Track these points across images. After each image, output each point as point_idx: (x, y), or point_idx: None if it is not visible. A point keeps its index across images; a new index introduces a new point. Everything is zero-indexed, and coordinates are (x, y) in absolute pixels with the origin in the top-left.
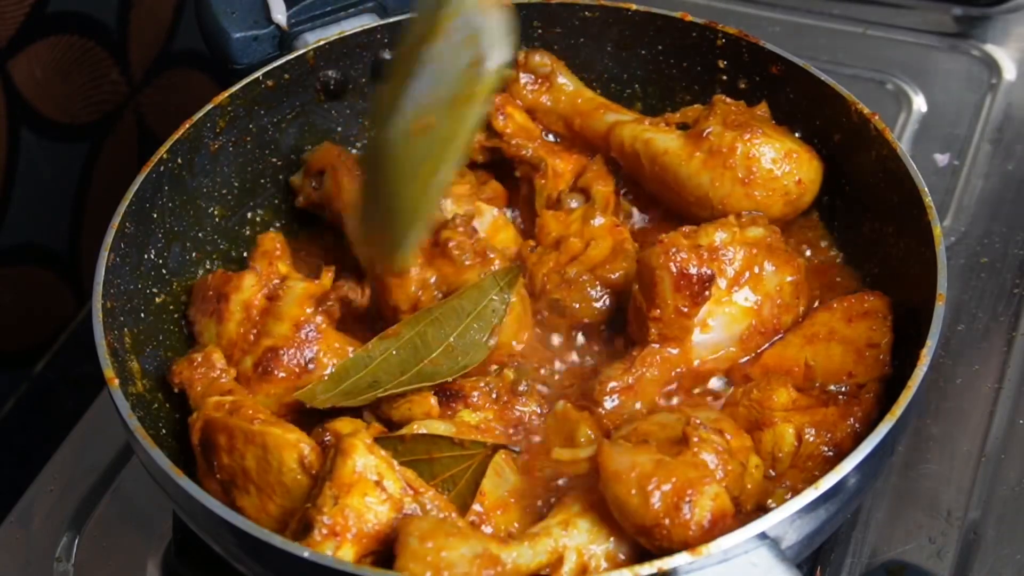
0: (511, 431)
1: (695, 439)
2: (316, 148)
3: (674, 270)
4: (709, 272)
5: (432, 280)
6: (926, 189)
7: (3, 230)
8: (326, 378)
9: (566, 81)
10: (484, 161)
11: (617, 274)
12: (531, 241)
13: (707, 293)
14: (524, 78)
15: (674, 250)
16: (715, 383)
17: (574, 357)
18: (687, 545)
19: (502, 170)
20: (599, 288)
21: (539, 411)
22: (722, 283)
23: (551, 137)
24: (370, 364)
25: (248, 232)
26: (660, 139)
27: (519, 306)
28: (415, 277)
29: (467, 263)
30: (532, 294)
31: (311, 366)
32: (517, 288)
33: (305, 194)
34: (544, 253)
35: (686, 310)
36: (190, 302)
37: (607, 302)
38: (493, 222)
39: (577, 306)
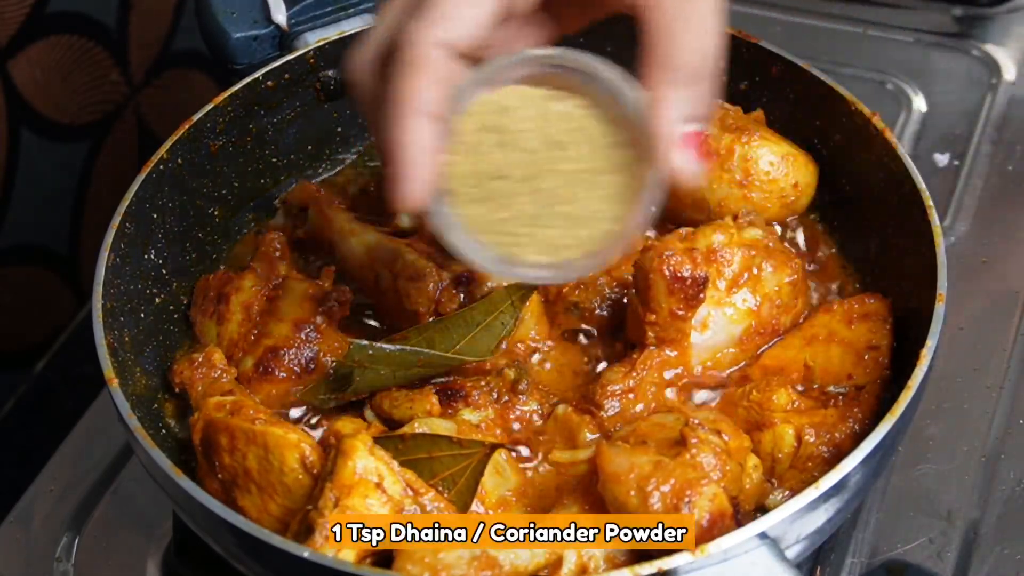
0: (512, 430)
1: (693, 440)
2: (291, 188)
3: (667, 273)
4: (703, 274)
5: (444, 283)
6: (926, 189)
7: (3, 230)
8: (329, 377)
9: None
10: None
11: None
12: None
13: (701, 296)
14: None
15: (668, 253)
16: (714, 384)
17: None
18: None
19: None
20: (617, 289)
21: (539, 410)
22: (721, 285)
23: None
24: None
25: (248, 232)
26: None
27: (536, 302)
28: (431, 277)
29: None
30: (547, 299)
31: (311, 366)
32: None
33: (291, 234)
34: None
35: (681, 313)
36: (191, 302)
37: (625, 302)
38: None
39: (598, 309)
